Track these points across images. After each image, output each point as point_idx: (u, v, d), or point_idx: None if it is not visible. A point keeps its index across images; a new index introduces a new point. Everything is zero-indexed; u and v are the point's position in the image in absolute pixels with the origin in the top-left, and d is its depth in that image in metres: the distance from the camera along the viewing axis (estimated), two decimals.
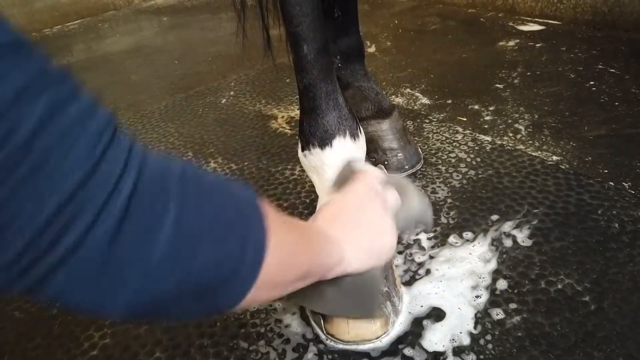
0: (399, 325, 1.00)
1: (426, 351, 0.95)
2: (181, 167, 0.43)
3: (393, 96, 1.99)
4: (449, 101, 1.89)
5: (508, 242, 1.18)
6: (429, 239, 1.22)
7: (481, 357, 0.92)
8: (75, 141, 0.33)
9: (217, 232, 0.43)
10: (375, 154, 1.46)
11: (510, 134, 1.62)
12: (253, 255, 0.46)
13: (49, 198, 0.32)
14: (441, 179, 1.44)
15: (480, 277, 1.09)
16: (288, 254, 0.51)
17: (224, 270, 0.44)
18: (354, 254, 0.73)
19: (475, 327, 0.98)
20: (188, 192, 0.41)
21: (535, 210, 1.26)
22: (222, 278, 0.44)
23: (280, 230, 0.49)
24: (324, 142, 1.03)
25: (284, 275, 0.51)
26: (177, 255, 0.39)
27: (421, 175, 1.46)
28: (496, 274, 1.09)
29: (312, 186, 1.41)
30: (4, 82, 0.31)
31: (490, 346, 0.94)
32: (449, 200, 1.34)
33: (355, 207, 0.78)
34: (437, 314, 1.02)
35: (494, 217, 1.26)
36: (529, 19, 2.64)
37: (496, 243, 1.18)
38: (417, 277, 1.12)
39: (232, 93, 2.24)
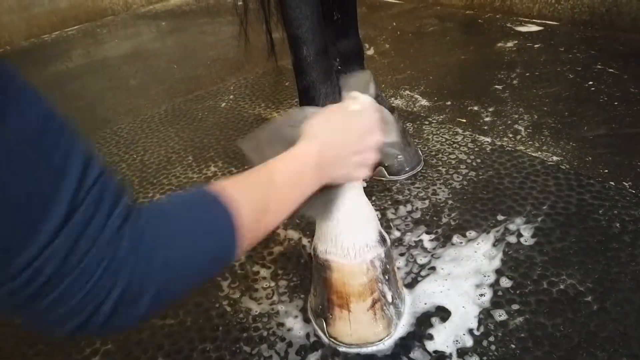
0: (402, 327, 1.00)
1: (429, 353, 0.95)
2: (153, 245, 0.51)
3: (392, 98, 1.99)
4: (449, 103, 1.90)
5: (510, 243, 1.17)
6: (431, 240, 1.22)
7: (484, 358, 0.92)
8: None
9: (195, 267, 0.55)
10: None
11: (510, 135, 1.62)
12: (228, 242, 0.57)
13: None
14: (442, 181, 1.44)
15: (484, 276, 1.09)
16: (254, 217, 0.60)
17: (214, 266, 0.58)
18: (337, 169, 0.77)
19: (478, 328, 0.98)
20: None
21: (537, 211, 1.26)
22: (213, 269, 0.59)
23: (240, 204, 0.58)
24: None
25: (256, 229, 0.62)
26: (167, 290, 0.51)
27: (421, 177, 1.46)
28: (499, 275, 1.09)
29: None
30: None
31: (493, 347, 0.94)
32: (450, 202, 1.34)
33: (343, 125, 0.80)
34: (441, 314, 1.02)
35: (495, 218, 1.26)
36: (527, 19, 2.65)
37: (498, 244, 1.18)
38: (419, 278, 1.11)
39: (231, 97, 2.24)
